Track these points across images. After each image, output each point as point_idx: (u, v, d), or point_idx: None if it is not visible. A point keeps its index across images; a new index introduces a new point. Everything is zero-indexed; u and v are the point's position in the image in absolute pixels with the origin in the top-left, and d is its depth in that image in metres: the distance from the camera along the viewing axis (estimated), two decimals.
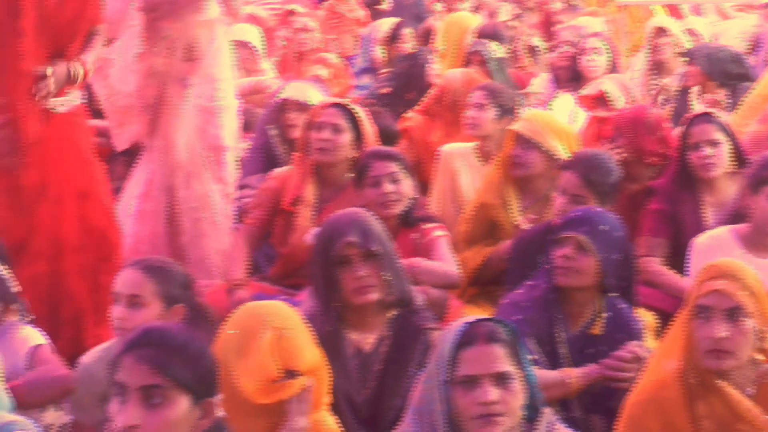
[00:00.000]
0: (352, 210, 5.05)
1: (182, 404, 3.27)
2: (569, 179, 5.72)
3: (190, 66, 6.80)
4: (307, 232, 6.18)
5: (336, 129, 6.29)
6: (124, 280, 4.56)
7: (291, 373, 4.03)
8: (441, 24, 10.63)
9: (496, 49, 8.87)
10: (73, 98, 6.02)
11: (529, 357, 4.40)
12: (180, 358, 3.29)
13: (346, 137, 6.30)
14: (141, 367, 3.26)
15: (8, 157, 5.79)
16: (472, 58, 8.89)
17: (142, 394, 3.24)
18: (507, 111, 7.03)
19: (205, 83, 6.84)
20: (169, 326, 3.51)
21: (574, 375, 4.73)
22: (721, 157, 6.07)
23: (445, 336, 3.75)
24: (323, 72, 8.93)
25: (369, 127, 6.40)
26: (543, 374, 4.62)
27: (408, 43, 10.21)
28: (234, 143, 7.06)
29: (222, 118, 6.90)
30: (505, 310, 4.92)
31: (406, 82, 8.68)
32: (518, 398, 3.66)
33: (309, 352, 4.10)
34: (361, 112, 6.44)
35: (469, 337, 3.67)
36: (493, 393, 3.60)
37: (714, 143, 6.07)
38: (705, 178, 6.10)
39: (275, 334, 4.04)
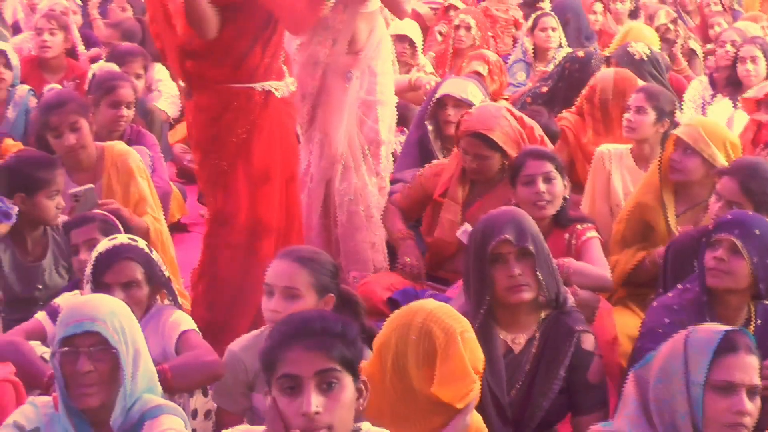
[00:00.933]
0: (508, 208, 5.05)
1: (350, 385, 3.36)
2: (727, 185, 5.62)
3: (352, 58, 6.80)
4: (453, 225, 6.20)
5: (479, 158, 6.38)
6: (278, 272, 4.60)
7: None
8: (620, 31, 10.45)
9: (642, 50, 8.69)
10: (291, 84, 6.08)
11: None
12: (342, 342, 3.36)
13: (491, 161, 6.40)
14: (313, 355, 3.32)
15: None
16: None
17: (318, 380, 3.32)
18: (666, 114, 6.93)
19: (366, 76, 6.84)
20: (323, 313, 3.55)
21: None
22: None
23: (697, 338, 3.68)
24: (482, 68, 8.87)
25: (515, 141, 6.39)
26: None
27: (550, 32, 10.13)
28: (390, 137, 7.03)
29: (380, 112, 6.88)
30: (655, 313, 4.87)
31: (570, 85, 8.59)
32: (756, 413, 3.62)
33: (480, 351, 4.14)
34: (504, 139, 6.39)
35: (732, 344, 3.62)
36: (748, 404, 3.57)
37: None
38: None
39: (462, 338, 4.08)
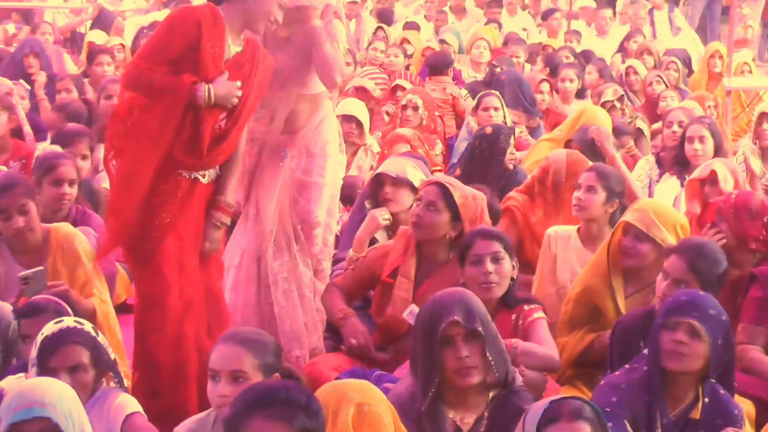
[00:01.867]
0: (456, 289, 5.06)
1: None
2: (675, 264, 5.69)
3: (289, 137, 6.85)
4: (406, 302, 6.22)
5: (431, 206, 6.38)
6: (223, 356, 4.60)
7: None
8: (573, 112, 10.57)
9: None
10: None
11: None
12: (305, 413, 3.45)
13: (443, 216, 6.38)
14: (275, 425, 3.39)
15: None
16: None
17: None
18: (615, 195, 7.01)
19: (303, 156, 6.87)
20: (287, 383, 3.61)
21: None
22: None
23: (529, 414, 3.78)
24: (404, 148, 8.92)
25: (467, 209, 6.44)
26: None
27: (493, 111, 10.22)
28: (330, 221, 7.04)
29: (315, 193, 6.88)
30: (602, 392, 4.91)
31: (482, 162, 8.67)
32: None
33: (389, 429, 4.12)
34: (461, 194, 6.47)
35: (554, 414, 3.73)
36: None
37: None
38: None
39: (357, 410, 4.08)
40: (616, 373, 5.01)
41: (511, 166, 8.68)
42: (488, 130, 8.73)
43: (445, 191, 6.42)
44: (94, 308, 6.27)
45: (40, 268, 6.23)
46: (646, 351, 5.01)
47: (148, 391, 5.85)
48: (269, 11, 6.08)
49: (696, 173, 7.62)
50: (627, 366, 5.02)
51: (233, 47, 5.98)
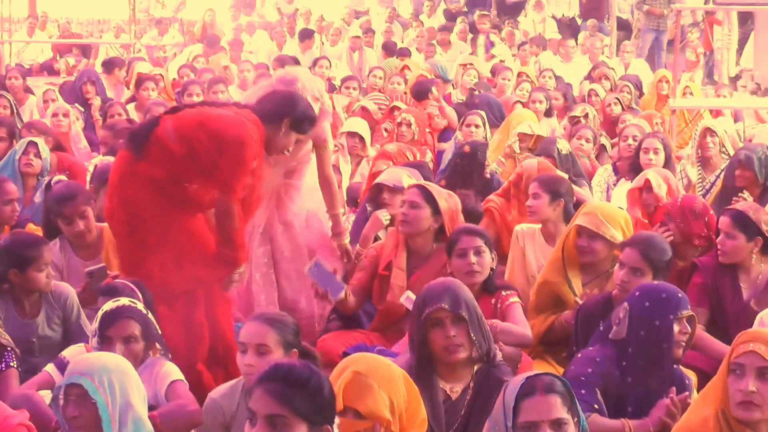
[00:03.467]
0: (445, 279, 5.07)
1: (301, 431, 3.36)
2: (630, 255, 5.72)
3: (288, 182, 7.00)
4: (401, 290, 6.23)
5: (414, 205, 6.40)
6: (251, 332, 4.62)
7: (357, 412, 4.03)
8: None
9: (563, 146, 8.85)
10: None
11: (595, 406, 4.45)
12: (301, 392, 3.38)
13: (425, 212, 6.40)
14: (267, 399, 3.37)
15: None
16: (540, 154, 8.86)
17: (267, 421, 3.35)
18: (559, 195, 7.03)
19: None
20: (295, 363, 3.54)
21: (632, 425, 4.67)
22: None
23: (508, 388, 3.76)
24: (385, 165, 8.91)
25: (444, 203, 6.47)
26: (604, 422, 4.63)
27: (474, 128, 10.25)
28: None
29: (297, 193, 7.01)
30: (578, 363, 4.89)
31: (464, 176, 8.66)
32: None
33: (377, 400, 4.05)
34: (437, 192, 6.52)
35: (530, 388, 3.68)
36: None
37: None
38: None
39: (352, 377, 4.06)
40: (590, 348, 4.99)
41: (488, 175, 8.71)
42: (466, 148, 8.71)
43: (424, 191, 6.47)
44: None
45: (103, 265, 6.27)
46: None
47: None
48: (287, 146, 6.14)
49: (634, 183, 7.71)
50: (599, 345, 4.99)
51: None
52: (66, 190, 6.84)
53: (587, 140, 9.93)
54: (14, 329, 5.50)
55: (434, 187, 6.62)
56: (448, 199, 6.54)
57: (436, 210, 6.42)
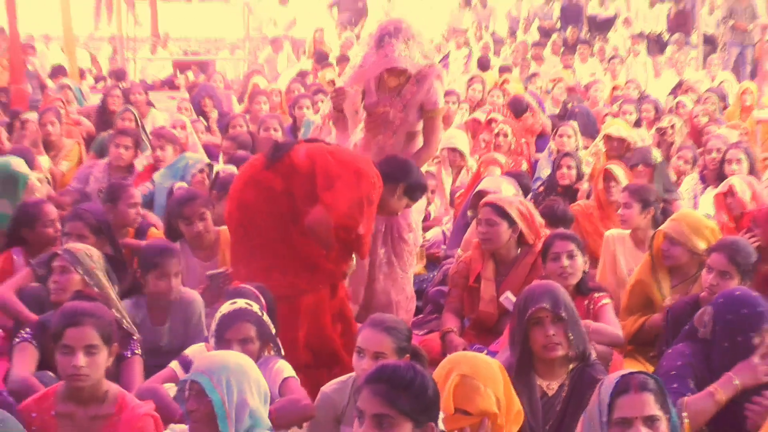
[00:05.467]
0: (546, 282, 5.05)
1: (406, 429, 3.38)
2: (717, 259, 5.64)
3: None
4: (490, 302, 6.24)
5: (490, 223, 6.38)
6: (369, 339, 4.62)
7: (466, 412, 4.03)
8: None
9: (657, 156, 8.78)
10: None
11: (687, 395, 4.43)
12: (406, 393, 3.39)
13: (502, 227, 6.39)
14: (374, 399, 3.38)
15: None
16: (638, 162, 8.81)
17: (374, 421, 3.36)
18: (649, 204, 7.01)
19: None
20: (400, 365, 3.54)
21: (718, 387, 4.58)
22: None
23: (603, 385, 3.72)
24: (497, 170, 8.92)
25: (516, 213, 6.42)
26: (695, 399, 4.57)
27: (566, 138, 10.22)
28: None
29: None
30: (669, 358, 4.84)
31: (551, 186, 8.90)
32: None
33: (485, 398, 4.06)
34: (508, 204, 6.46)
35: (625, 386, 3.65)
36: None
37: None
38: None
39: (459, 380, 4.06)
40: (681, 344, 4.91)
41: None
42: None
43: (496, 207, 6.43)
44: None
45: (224, 269, 6.31)
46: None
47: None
48: (398, 209, 6.28)
49: (719, 188, 7.64)
50: (689, 341, 4.92)
51: None
52: (187, 194, 6.99)
53: (686, 161, 9.78)
54: (144, 335, 5.57)
55: (504, 201, 6.56)
56: (519, 207, 6.50)
57: (511, 221, 6.39)
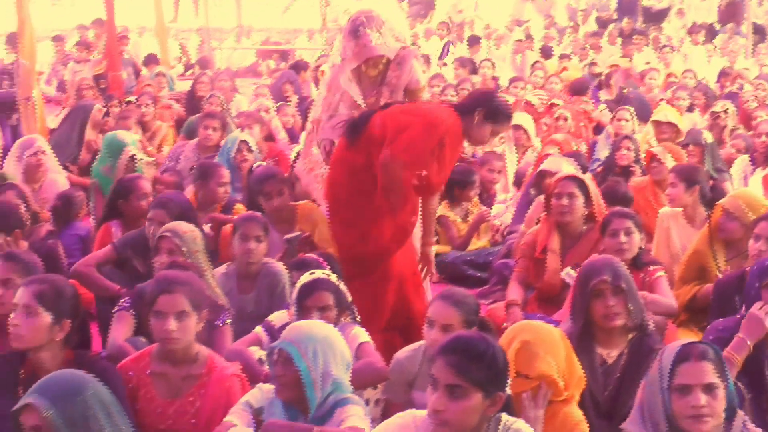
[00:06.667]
0: (605, 256, 5.02)
1: (476, 398, 3.35)
2: (764, 227, 5.62)
3: None
4: (554, 273, 6.17)
5: (571, 196, 6.27)
6: (439, 311, 4.63)
7: (526, 376, 4.02)
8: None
9: (708, 137, 8.68)
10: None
11: None
12: (478, 364, 3.35)
13: (580, 200, 6.28)
14: (447, 370, 3.35)
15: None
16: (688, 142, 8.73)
17: (447, 390, 3.34)
18: (694, 183, 6.94)
19: None
20: (474, 336, 3.52)
21: (731, 351, 4.57)
22: None
23: (665, 353, 3.68)
24: (553, 150, 8.81)
25: (594, 190, 6.36)
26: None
27: (623, 122, 10.11)
28: None
29: None
30: (716, 329, 4.81)
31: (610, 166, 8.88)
32: (721, 404, 3.58)
33: (543, 364, 4.05)
34: (588, 180, 6.38)
35: (685, 354, 3.60)
36: (702, 399, 3.54)
37: None
38: None
39: (520, 346, 4.05)
40: (729, 318, 4.86)
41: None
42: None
43: (578, 181, 6.34)
44: None
45: (300, 233, 6.43)
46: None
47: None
48: (484, 136, 5.95)
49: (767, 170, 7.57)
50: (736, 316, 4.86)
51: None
52: (267, 171, 7.07)
53: (738, 149, 9.65)
54: (232, 301, 5.61)
55: (584, 177, 6.50)
56: (591, 183, 6.45)
57: (587, 197, 6.31)
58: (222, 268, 6.03)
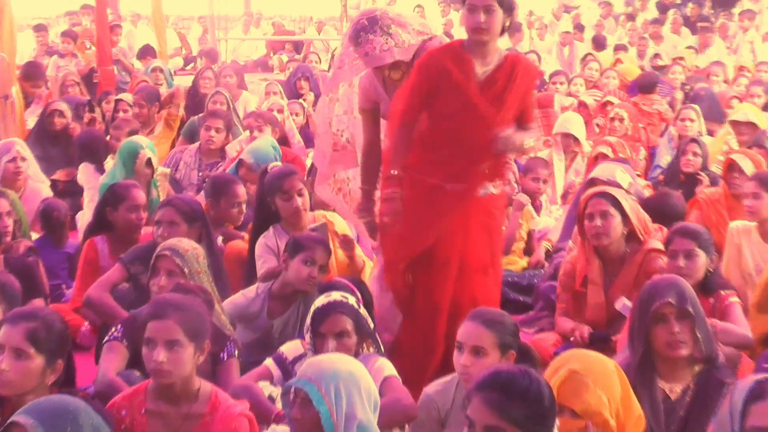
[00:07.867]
0: (670, 275, 4.98)
1: None
2: None
3: None
4: (597, 310, 6.19)
5: (604, 215, 6.24)
6: (469, 332, 4.61)
7: (572, 411, 3.97)
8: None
9: None
10: (493, 188, 5.76)
11: None
12: (520, 402, 3.33)
13: (616, 219, 6.25)
14: (485, 409, 3.33)
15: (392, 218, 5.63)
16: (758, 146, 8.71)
17: (486, 430, 3.31)
18: None
19: None
20: (514, 371, 3.48)
21: None
22: None
23: (736, 390, 3.64)
24: (606, 150, 8.80)
25: (629, 204, 6.31)
26: None
27: (688, 122, 10.07)
28: None
29: None
30: None
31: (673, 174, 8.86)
32: None
33: (593, 397, 3.99)
34: (622, 195, 6.35)
35: (760, 392, 3.55)
36: None
37: None
38: None
39: (567, 375, 4.01)
40: None
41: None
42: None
43: (610, 198, 6.30)
44: (363, 263, 6.65)
45: (324, 222, 6.61)
46: None
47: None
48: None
49: None
50: None
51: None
52: (285, 168, 7.08)
53: None
54: (257, 328, 5.69)
55: (616, 191, 6.45)
56: (628, 199, 6.41)
57: (624, 214, 6.27)
58: (252, 289, 6.11)
